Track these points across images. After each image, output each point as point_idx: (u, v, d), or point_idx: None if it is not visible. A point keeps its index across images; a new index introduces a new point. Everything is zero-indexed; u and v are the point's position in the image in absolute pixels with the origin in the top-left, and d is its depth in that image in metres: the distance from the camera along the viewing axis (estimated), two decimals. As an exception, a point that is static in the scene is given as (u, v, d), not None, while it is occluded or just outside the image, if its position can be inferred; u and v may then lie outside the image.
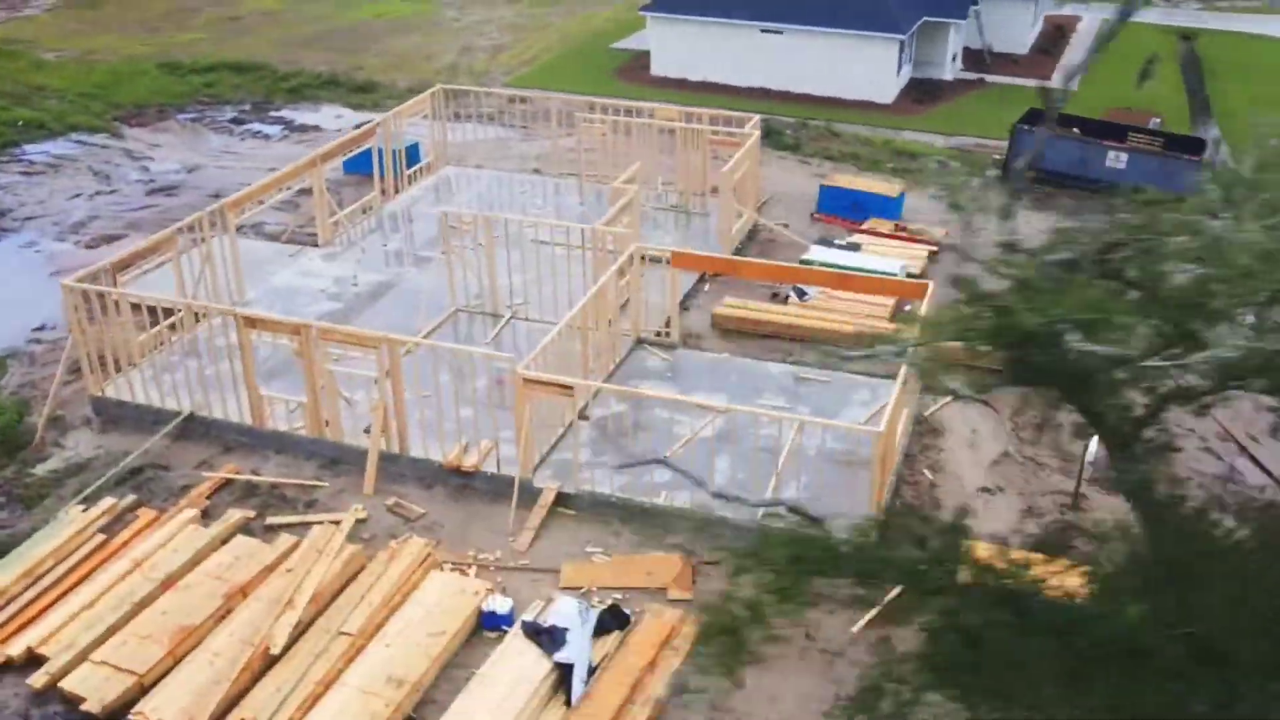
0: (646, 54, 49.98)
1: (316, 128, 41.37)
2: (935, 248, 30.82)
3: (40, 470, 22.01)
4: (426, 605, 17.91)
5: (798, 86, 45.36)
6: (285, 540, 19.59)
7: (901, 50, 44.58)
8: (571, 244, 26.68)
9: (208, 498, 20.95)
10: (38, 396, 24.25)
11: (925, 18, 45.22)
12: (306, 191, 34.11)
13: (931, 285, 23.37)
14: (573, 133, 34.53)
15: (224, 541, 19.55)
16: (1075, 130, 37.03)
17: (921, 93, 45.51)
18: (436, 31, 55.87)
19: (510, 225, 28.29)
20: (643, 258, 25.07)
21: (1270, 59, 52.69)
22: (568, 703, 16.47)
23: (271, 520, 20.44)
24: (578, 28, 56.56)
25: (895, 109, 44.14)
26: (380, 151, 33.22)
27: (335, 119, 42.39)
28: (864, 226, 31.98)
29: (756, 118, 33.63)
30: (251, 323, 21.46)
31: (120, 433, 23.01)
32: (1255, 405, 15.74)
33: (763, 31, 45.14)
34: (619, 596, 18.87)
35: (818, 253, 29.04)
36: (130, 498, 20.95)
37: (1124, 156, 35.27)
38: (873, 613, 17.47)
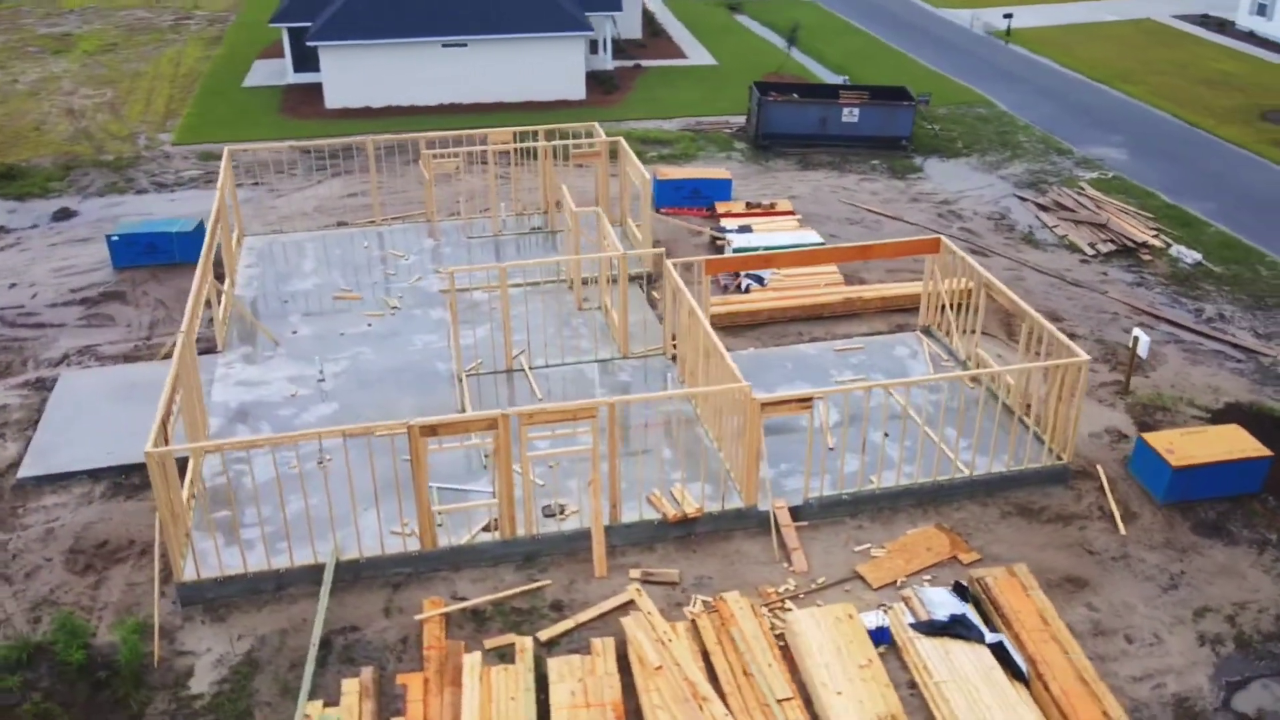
0: (301, 88, 46.48)
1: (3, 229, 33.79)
2: (798, 215, 33.31)
3: (199, 687, 17.14)
4: (821, 644, 17.19)
5: (490, 96, 45.04)
6: (575, 654, 17.48)
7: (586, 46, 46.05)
8: (601, 275, 25.54)
9: (443, 640, 17.84)
10: (74, 607, 18.52)
11: (585, 13, 46.89)
12: (111, 296, 28.54)
13: (943, 239, 25.81)
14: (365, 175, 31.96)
15: (540, 677, 16.99)
16: (794, 96, 41.24)
17: (597, 85, 47.25)
18: (9, 97, 46.82)
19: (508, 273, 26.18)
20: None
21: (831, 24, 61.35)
22: (1018, 677, 16.99)
23: (543, 635, 17.98)
24: (171, 70, 50.52)
25: (590, 103, 45.51)
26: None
27: (9, 214, 34.85)
28: (721, 210, 33.51)
29: (595, 124, 33.61)
30: (431, 430, 18.33)
31: (241, 613, 18.48)
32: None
33: (445, 46, 44.05)
34: (927, 578, 19.40)
35: (741, 240, 30.18)
36: (365, 670, 17.22)
37: (856, 111, 40.04)
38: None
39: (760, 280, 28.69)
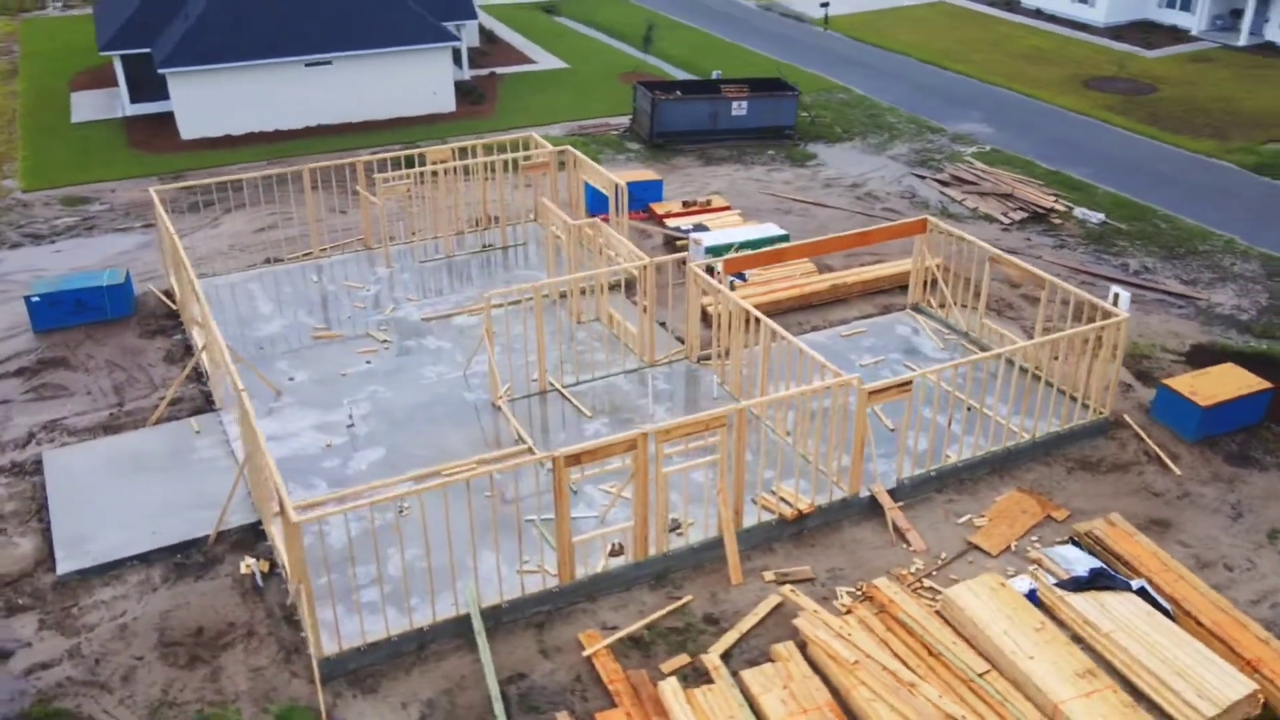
0: (145, 120, 43.06)
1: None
2: (737, 210, 33.82)
3: (385, 765, 15.88)
4: (992, 614, 17.73)
5: (359, 115, 43.18)
6: (755, 664, 17.44)
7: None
8: (599, 284, 25.29)
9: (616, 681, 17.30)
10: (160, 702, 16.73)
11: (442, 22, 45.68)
12: (51, 364, 25.80)
13: (929, 219, 26.94)
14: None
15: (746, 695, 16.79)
16: (678, 93, 41.75)
17: (463, 96, 46.10)
18: None
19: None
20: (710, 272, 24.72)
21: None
22: (1169, 615, 18.17)
23: (716, 650, 17.70)
24: (-19, 111, 45.57)
25: (463, 115, 44.36)
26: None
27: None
28: (660, 211, 33.56)
29: (534, 134, 32.89)
30: (575, 460, 17.61)
31: (390, 680, 17.21)
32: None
33: (308, 66, 41.85)
34: (1034, 539, 20.36)
35: (710, 238, 30.34)
36: (558, 715, 16.46)
37: (745, 104, 40.97)
38: None
39: (742, 277, 29.03)
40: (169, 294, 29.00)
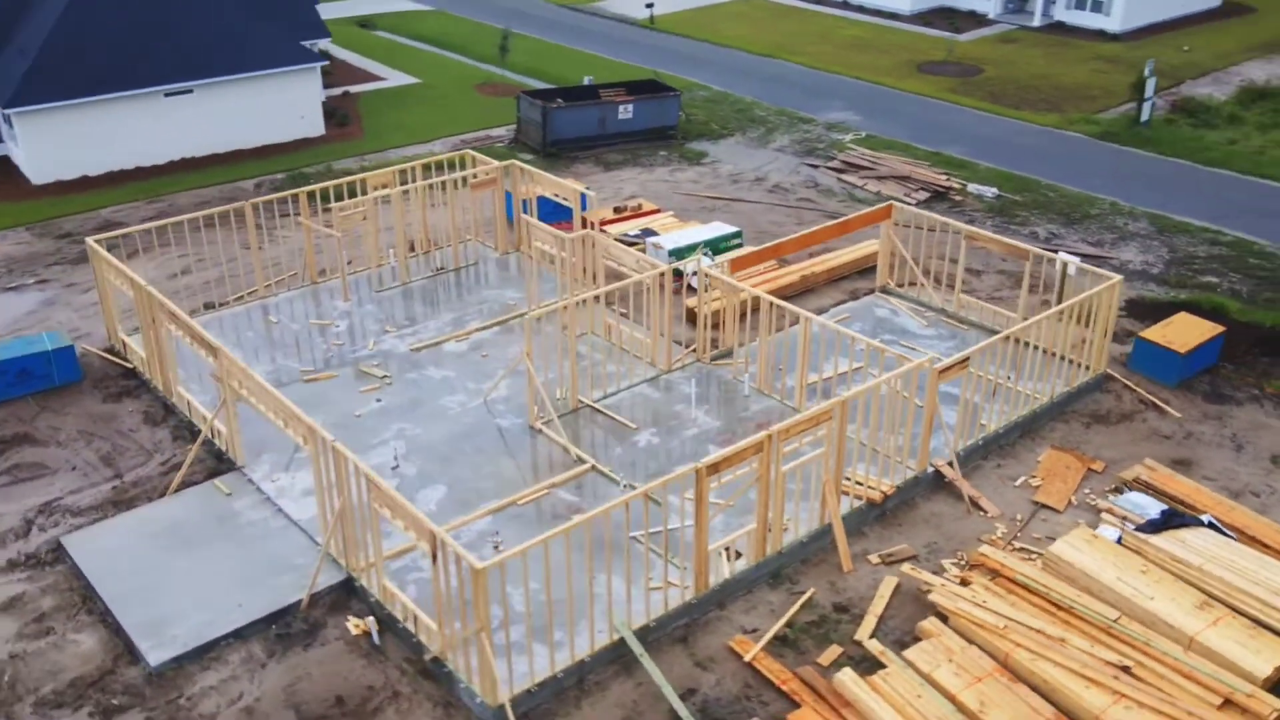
0: (-15, 165, 39.06)
1: None
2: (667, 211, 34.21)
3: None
4: (1099, 564, 18.97)
5: (226, 144, 40.78)
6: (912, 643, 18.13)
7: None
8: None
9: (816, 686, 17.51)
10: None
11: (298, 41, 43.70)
12: (16, 442, 23.47)
13: (894, 204, 28.26)
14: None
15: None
16: (559, 101, 41.68)
17: (327, 118, 44.19)
18: None
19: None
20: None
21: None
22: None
23: (860, 635, 18.18)
24: None
25: (333, 138, 42.60)
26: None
27: None
28: (593, 218, 33.44)
29: (471, 153, 32.11)
30: (714, 468, 17.59)
31: (561, 717, 16.75)
32: None
33: (168, 96, 39.14)
34: (1086, 490, 21.90)
35: (667, 241, 30.56)
36: (752, 726, 16.52)
37: (631, 108, 41.37)
38: None
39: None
40: (112, 351, 26.69)
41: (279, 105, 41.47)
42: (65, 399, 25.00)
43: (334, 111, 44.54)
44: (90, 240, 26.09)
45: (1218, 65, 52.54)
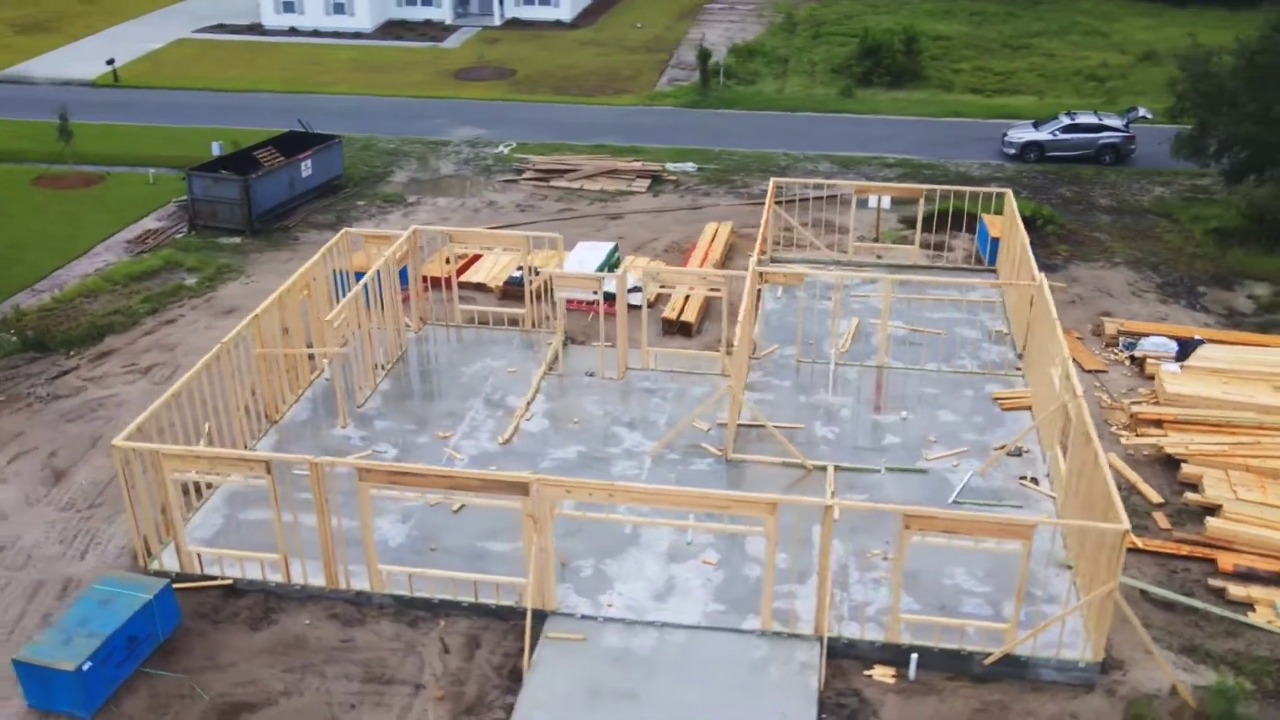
0: None
1: None
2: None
3: None
4: (1212, 389, 24.80)
5: None
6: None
7: None
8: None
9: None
10: None
11: None
12: None
13: (775, 179, 31.07)
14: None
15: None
16: (223, 171, 36.57)
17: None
18: None
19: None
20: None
21: None
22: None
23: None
24: None
25: None
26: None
27: None
28: (433, 276, 31.00)
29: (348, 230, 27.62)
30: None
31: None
32: None
33: None
34: (1095, 352, 27.66)
35: (576, 266, 29.76)
36: (1209, 584, 19.72)
37: (309, 163, 37.64)
38: None
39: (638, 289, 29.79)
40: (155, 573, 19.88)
41: None
42: (190, 653, 18.47)
43: None
44: (118, 442, 19.05)
45: (674, 35, 61.04)
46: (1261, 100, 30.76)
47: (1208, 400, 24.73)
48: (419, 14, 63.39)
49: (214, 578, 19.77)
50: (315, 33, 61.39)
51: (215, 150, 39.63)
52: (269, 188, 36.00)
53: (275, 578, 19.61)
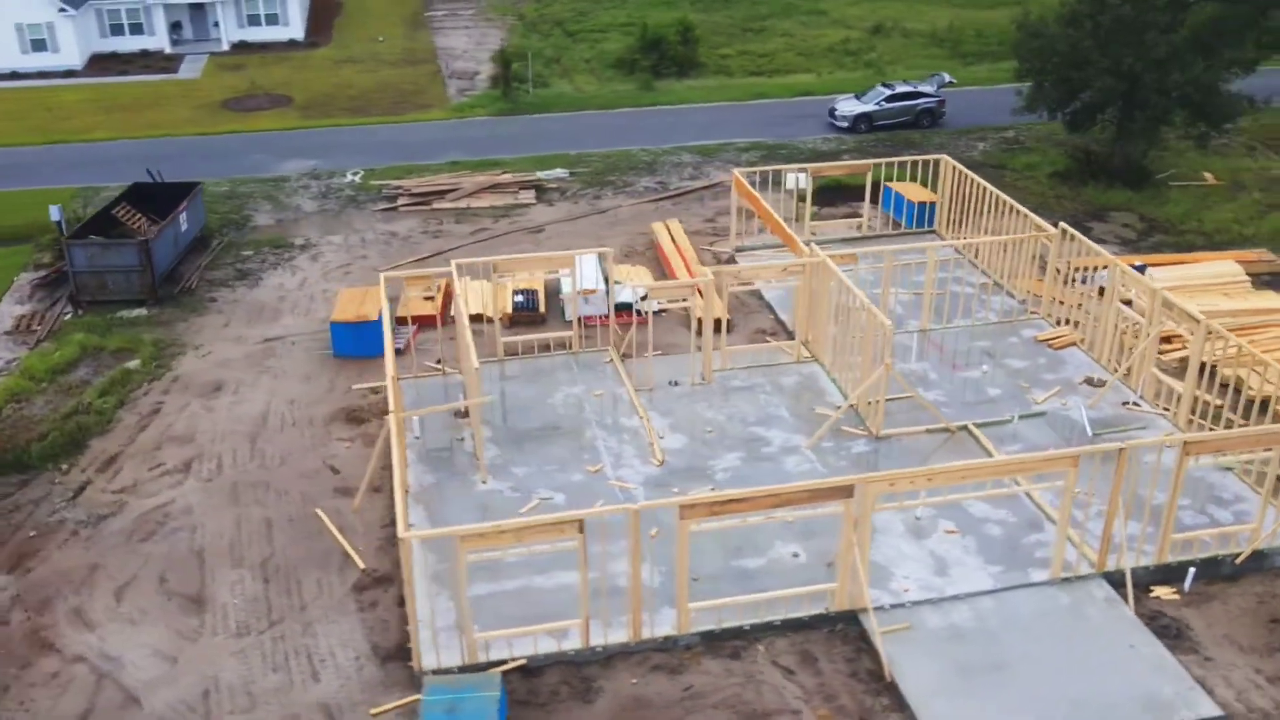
0: None
1: None
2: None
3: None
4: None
5: None
6: None
7: None
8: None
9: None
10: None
11: None
12: None
13: (735, 171, 31.70)
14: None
15: None
16: (93, 237, 31.77)
17: None
18: None
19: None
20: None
21: None
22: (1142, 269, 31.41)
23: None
24: None
25: None
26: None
27: None
28: (428, 309, 28.86)
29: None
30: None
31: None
32: None
33: None
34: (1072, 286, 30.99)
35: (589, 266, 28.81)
36: None
37: (184, 216, 33.46)
38: None
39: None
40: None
41: None
42: (527, 750, 16.68)
43: None
44: (404, 534, 16.60)
45: (422, 47, 58.93)
46: (1113, 56, 35.49)
47: (1218, 312, 28.62)
48: (131, 44, 56.84)
49: (502, 661, 17.89)
50: (14, 74, 53.36)
51: (54, 215, 33.86)
52: (161, 248, 31.58)
53: (571, 645, 18.11)
